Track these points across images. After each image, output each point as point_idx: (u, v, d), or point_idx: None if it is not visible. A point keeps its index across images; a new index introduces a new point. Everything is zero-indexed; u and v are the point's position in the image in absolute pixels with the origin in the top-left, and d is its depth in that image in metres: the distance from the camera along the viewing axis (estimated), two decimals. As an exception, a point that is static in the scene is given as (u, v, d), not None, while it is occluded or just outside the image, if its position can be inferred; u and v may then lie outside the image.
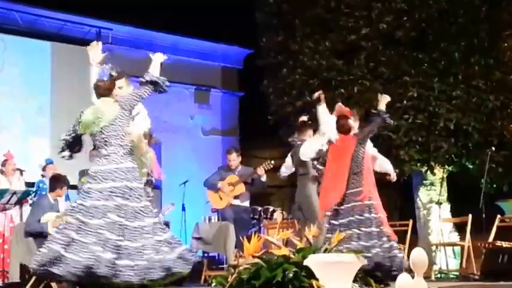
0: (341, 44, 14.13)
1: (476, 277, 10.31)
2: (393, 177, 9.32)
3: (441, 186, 13.91)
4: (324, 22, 14.37)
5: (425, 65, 13.37)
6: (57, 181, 9.97)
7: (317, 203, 9.26)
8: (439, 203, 13.78)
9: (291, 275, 5.38)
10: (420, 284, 5.58)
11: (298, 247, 5.80)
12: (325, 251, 5.72)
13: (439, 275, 12.04)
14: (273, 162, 11.15)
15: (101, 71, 7.14)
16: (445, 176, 14.02)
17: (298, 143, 9.86)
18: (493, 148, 12.36)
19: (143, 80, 7.01)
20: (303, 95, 13.86)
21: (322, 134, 9.15)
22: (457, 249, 12.98)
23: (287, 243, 6.42)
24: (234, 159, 11.40)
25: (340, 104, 9.13)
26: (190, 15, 17.11)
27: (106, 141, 6.85)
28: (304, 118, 10.23)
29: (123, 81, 7.44)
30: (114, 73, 7.25)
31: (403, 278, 5.53)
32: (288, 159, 10.10)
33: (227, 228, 10.96)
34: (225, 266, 11.22)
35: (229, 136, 18.38)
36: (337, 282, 5.22)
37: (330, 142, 8.84)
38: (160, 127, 16.03)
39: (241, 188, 11.26)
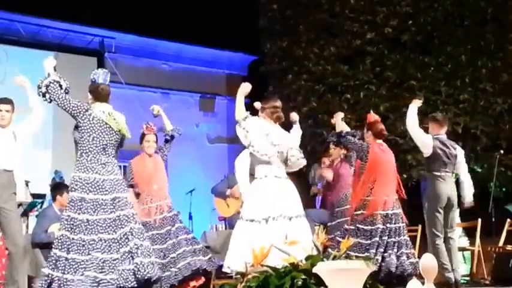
0: (346, 49, 14.11)
1: (487, 282, 10.19)
2: None
3: (449, 190, 13.83)
4: (328, 27, 14.32)
5: (432, 68, 13.33)
6: (56, 189, 9.89)
7: None
8: (447, 208, 13.69)
9: (299, 282, 5.30)
10: (430, 290, 5.51)
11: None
12: (334, 258, 5.64)
13: (449, 281, 11.93)
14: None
15: (104, 74, 7.04)
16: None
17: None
18: (502, 151, 12.24)
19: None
20: (309, 101, 13.80)
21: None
22: (467, 254, 12.85)
23: None
24: None
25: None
26: (194, 22, 17.06)
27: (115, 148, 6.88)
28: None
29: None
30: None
31: (413, 284, 5.45)
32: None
33: (235, 236, 10.85)
34: (233, 274, 11.11)
35: (235, 144, 18.23)
36: (347, 289, 5.14)
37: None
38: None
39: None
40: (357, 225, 8.47)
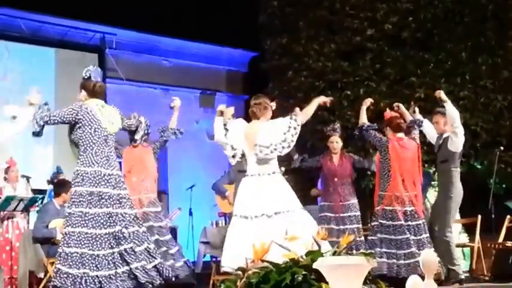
0: (346, 46, 14.12)
1: (487, 278, 10.20)
2: None
3: (449, 187, 13.84)
4: (328, 24, 14.34)
5: (432, 65, 13.35)
6: (61, 186, 9.91)
7: None
8: (447, 204, 13.69)
9: (300, 278, 5.31)
10: (431, 285, 5.51)
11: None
12: (335, 253, 5.65)
13: (449, 277, 11.93)
14: (283, 168, 11.05)
15: (95, 71, 7.01)
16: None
17: None
18: (502, 148, 12.25)
19: None
20: (309, 98, 13.77)
21: None
22: (467, 250, 12.86)
23: None
24: None
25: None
26: (194, 19, 17.07)
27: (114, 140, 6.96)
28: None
29: None
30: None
31: (413, 280, 5.46)
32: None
33: (235, 232, 10.85)
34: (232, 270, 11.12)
35: (235, 140, 18.26)
36: (347, 285, 5.14)
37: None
38: (165, 132, 16.02)
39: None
40: (380, 220, 8.54)
